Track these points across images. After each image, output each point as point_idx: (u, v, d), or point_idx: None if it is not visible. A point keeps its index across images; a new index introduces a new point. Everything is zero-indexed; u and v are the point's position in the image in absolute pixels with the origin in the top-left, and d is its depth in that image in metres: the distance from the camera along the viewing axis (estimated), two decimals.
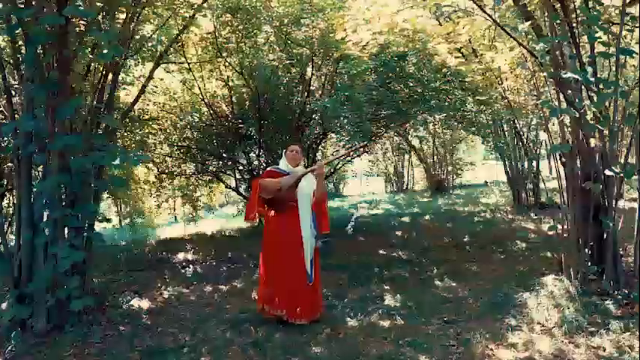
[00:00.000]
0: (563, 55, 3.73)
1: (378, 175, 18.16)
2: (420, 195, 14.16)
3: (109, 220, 4.35)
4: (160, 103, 7.90)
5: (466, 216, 9.25)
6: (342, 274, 5.56)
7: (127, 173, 8.77)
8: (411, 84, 5.88)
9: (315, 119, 6.57)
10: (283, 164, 3.99)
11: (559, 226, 4.47)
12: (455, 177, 15.78)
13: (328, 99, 5.21)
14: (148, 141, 7.89)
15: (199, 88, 7.44)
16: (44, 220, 3.71)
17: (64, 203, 3.86)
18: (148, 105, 7.74)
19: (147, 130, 7.81)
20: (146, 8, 5.02)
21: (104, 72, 4.53)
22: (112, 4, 3.99)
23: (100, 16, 3.61)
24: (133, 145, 7.52)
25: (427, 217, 9.67)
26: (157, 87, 7.81)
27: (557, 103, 3.92)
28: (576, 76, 3.40)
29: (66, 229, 3.84)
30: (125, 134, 7.56)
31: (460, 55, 5.15)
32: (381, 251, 6.93)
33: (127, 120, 7.06)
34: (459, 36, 4.75)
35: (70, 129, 4.05)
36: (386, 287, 4.99)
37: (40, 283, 3.54)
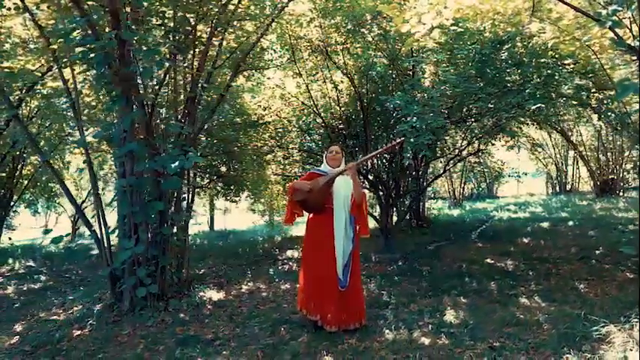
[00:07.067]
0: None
1: (539, 174, 16.22)
2: (582, 197, 12.22)
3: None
4: (278, 109, 8.38)
5: (619, 223, 7.68)
6: (424, 282, 5.19)
7: (261, 176, 9.54)
8: (513, 73, 5.10)
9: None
10: (324, 165, 3.91)
11: None
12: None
13: (398, 95, 4.87)
14: (268, 144, 8.44)
15: (309, 91, 7.67)
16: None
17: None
18: (265, 111, 8.28)
19: (267, 134, 8.37)
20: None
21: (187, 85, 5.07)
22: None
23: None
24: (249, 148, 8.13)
25: (571, 223, 8.33)
26: (275, 93, 8.36)
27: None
28: None
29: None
30: (254, 136, 8.24)
31: (559, 32, 4.23)
32: (488, 260, 6.24)
33: (241, 123, 7.74)
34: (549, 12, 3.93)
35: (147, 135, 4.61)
36: (462, 300, 4.49)
37: (105, 271, 4.13)
